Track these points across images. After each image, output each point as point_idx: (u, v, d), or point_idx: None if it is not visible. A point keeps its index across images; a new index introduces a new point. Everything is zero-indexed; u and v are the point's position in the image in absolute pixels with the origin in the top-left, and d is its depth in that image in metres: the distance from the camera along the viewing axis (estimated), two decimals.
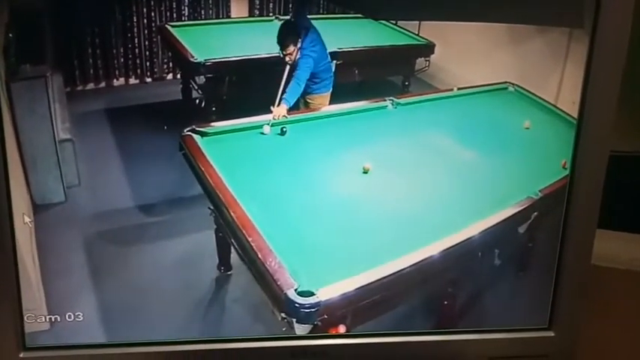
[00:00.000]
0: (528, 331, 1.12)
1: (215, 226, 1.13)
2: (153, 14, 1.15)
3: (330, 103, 1.23)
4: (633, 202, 1.49)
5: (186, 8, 1.17)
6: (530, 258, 1.16)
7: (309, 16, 1.14)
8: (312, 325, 1.01)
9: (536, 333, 1.12)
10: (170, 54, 1.22)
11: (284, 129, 1.22)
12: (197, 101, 1.21)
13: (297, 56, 1.17)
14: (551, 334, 1.11)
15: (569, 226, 1.07)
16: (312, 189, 1.18)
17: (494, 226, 1.12)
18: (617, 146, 1.03)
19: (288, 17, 1.17)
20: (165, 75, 1.23)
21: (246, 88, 1.23)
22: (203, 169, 1.14)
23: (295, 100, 1.19)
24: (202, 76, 1.21)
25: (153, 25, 1.16)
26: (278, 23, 1.16)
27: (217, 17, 1.20)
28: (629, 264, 1.48)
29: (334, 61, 1.21)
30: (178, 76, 1.24)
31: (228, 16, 1.21)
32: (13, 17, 0.95)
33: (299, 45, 1.16)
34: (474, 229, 1.10)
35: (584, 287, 1.09)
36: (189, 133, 1.17)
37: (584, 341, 1.12)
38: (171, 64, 1.23)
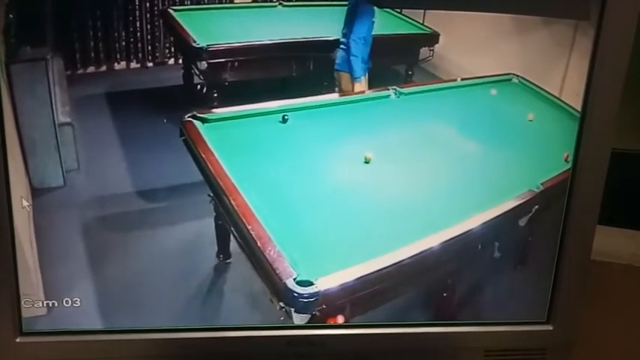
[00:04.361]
0: (527, 325, 1.12)
1: (215, 214, 1.12)
2: None
3: (333, 92, 1.22)
4: (634, 199, 1.50)
5: None
6: (530, 251, 1.15)
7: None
8: (310, 315, 1.00)
9: (535, 326, 1.12)
10: (172, 38, 1.21)
11: (285, 117, 1.22)
12: (198, 87, 1.20)
13: None
14: (550, 327, 1.11)
15: (570, 220, 1.07)
16: (312, 178, 1.17)
17: (494, 218, 1.11)
18: (618, 144, 1.03)
19: (290, 4, 1.16)
20: (166, 60, 1.22)
21: (249, 74, 1.22)
22: (203, 155, 1.13)
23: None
24: (204, 62, 1.20)
25: (155, 8, 1.15)
26: (282, 9, 1.15)
27: (220, 2, 1.19)
28: (630, 259, 1.48)
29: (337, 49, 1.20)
30: (180, 61, 1.23)
31: (232, 2, 1.19)
32: None
33: None
34: (474, 221, 1.10)
35: (584, 281, 1.09)
36: (189, 119, 1.16)
37: (583, 335, 1.12)
38: (172, 49, 1.22)
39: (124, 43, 1.15)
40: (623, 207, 1.45)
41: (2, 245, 0.99)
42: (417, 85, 1.30)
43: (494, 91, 1.20)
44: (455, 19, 1.16)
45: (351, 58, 1.17)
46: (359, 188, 1.17)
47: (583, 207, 1.06)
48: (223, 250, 1.14)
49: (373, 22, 1.15)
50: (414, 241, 1.05)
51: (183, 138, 1.15)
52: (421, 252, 1.05)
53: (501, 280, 1.15)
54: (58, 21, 1.00)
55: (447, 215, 1.11)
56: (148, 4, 1.14)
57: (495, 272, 1.15)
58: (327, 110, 1.25)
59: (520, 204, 1.15)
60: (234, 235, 1.09)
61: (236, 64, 1.21)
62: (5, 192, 0.98)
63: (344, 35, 1.17)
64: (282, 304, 0.99)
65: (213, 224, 1.14)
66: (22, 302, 1.03)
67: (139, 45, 1.17)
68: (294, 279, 0.97)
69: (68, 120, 1.05)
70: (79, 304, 1.05)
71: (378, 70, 1.26)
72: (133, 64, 1.18)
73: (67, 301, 1.05)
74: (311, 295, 0.97)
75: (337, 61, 1.18)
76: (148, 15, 1.15)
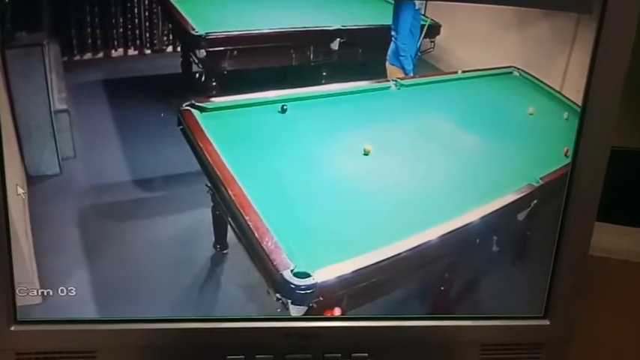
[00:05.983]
0: (524, 319, 1.12)
1: (212, 204, 1.11)
2: None
3: (333, 82, 1.21)
4: (632, 196, 1.50)
5: None
6: (528, 246, 1.15)
7: None
8: (307, 307, 1.00)
9: (532, 321, 1.12)
10: (170, 26, 1.20)
11: (284, 107, 1.21)
12: (197, 75, 1.19)
13: None
14: (547, 322, 1.12)
15: (569, 216, 1.07)
16: (311, 169, 1.16)
17: (493, 212, 1.11)
18: (617, 141, 1.03)
19: None
20: (164, 47, 1.20)
21: (248, 63, 1.21)
22: (201, 145, 1.12)
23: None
24: (203, 50, 1.19)
25: None
26: None
27: None
28: (627, 255, 1.49)
29: (338, 39, 1.19)
30: (178, 48, 1.22)
31: None
32: None
33: None
34: (473, 214, 1.10)
35: (581, 277, 1.09)
36: (188, 107, 1.15)
37: (580, 330, 1.13)
38: (171, 37, 1.20)
39: (121, 30, 1.14)
40: (622, 204, 1.45)
41: None
42: (417, 77, 1.29)
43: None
44: (457, 11, 1.15)
45: (400, 53, 1.17)
46: (357, 180, 1.16)
47: (582, 203, 1.06)
48: (220, 241, 1.13)
49: (417, 12, 1.14)
50: (412, 234, 1.05)
51: (181, 127, 1.14)
52: (419, 245, 1.05)
53: (499, 274, 1.14)
54: (54, 6, 0.99)
55: (445, 208, 1.10)
56: None
57: (493, 266, 1.15)
58: (326, 101, 1.24)
59: (519, 198, 1.14)
60: (231, 225, 1.08)
61: (235, 52, 1.20)
62: (0, 179, 0.97)
63: (393, 29, 1.16)
64: (278, 295, 0.99)
65: (211, 214, 1.13)
66: (17, 290, 1.02)
67: (137, 32, 1.16)
68: (292, 270, 0.97)
69: (64, 107, 1.03)
70: (75, 293, 1.05)
71: (379, 61, 1.26)
72: (131, 51, 1.16)
73: (62, 290, 1.04)
74: (308, 287, 0.97)
75: (388, 53, 1.18)
76: (146, 1, 1.14)
